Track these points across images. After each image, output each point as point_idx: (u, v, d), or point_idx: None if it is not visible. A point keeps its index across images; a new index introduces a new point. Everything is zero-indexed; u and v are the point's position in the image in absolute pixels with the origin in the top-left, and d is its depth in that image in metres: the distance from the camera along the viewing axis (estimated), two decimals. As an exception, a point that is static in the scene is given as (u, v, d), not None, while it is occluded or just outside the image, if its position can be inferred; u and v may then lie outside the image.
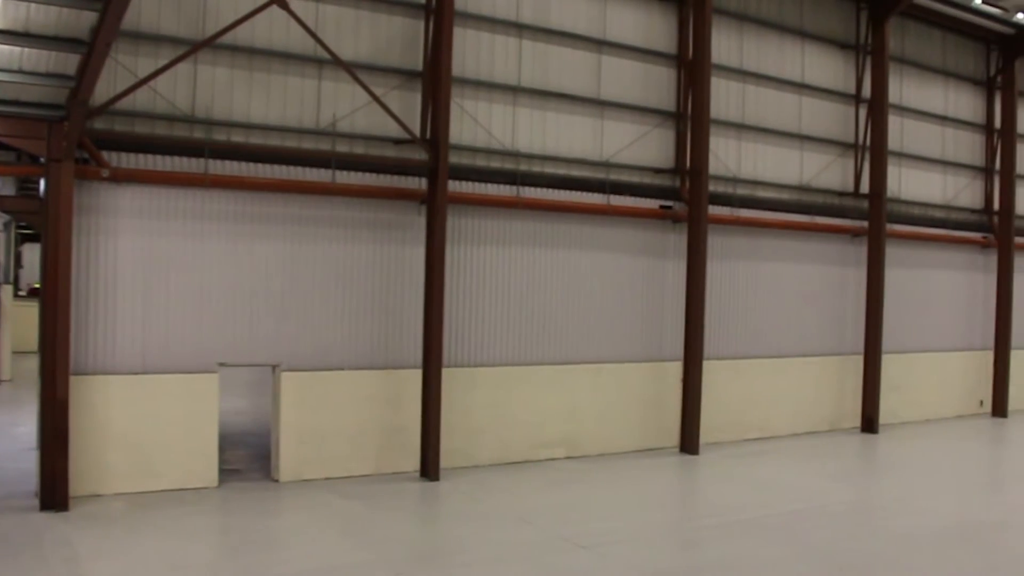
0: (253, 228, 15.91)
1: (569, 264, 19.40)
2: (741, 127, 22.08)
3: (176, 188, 15.28)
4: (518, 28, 18.71)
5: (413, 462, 17.23)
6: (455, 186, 17.62)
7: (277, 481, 16.25)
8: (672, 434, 20.69)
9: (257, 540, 13.16)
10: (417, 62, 17.40)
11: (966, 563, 13.12)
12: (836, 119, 24.15)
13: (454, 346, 17.80)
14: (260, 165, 15.96)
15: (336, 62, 16.02)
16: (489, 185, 18.37)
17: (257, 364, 16.34)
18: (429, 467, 16.88)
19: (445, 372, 17.12)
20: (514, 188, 18.58)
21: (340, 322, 16.72)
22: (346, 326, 16.78)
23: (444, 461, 17.10)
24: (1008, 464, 22.43)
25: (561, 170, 19.33)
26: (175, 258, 15.31)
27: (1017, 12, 26.30)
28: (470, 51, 18.10)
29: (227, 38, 15.26)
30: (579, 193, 19.49)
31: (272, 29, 15.98)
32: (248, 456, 18.18)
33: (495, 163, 18.51)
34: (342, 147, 16.68)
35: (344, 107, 16.69)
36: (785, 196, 23.00)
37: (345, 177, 16.67)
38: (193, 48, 14.89)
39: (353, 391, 16.79)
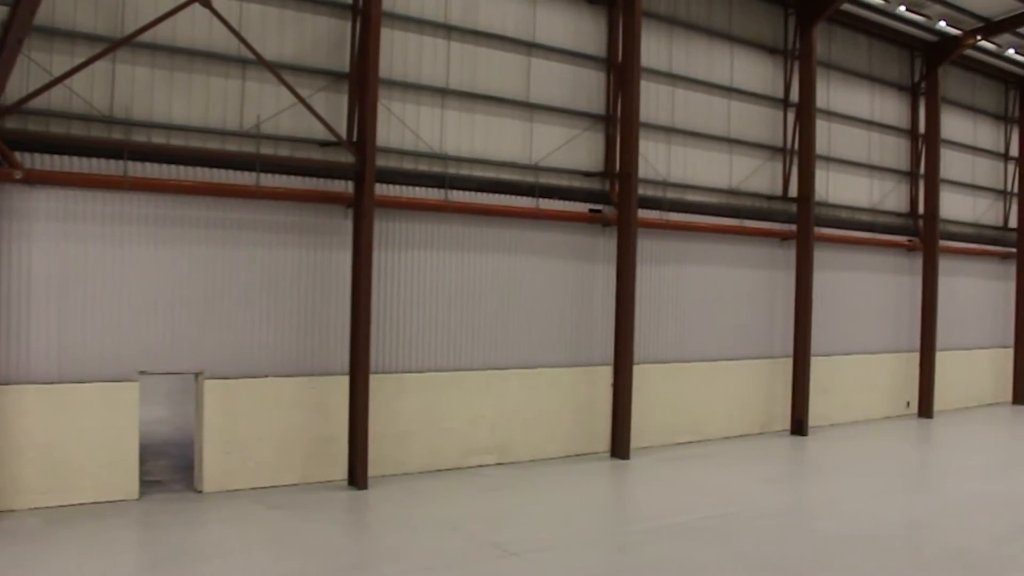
0: (175, 232, 15.83)
1: (499, 268, 19.63)
2: (671, 131, 22.58)
3: (94, 191, 15.15)
4: (446, 29, 18.89)
5: (341, 470, 17.28)
6: (382, 189, 17.75)
7: (200, 492, 16.19)
8: (603, 439, 21.03)
9: (179, 553, 13.12)
10: (344, 63, 17.48)
11: (895, 563, 13.68)
12: (765, 123, 24.80)
13: (382, 352, 17.91)
14: (182, 167, 15.89)
15: (260, 62, 16.05)
16: (417, 188, 18.54)
17: (179, 372, 16.28)
18: (357, 475, 16.95)
19: (373, 378, 17.23)
20: (442, 191, 18.76)
21: (265, 328, 16.72)
22: (271, 332, 16.78)
23: (373, 469, 17.19)
24: (934, 464, 23.27)
25: (490, 173, 19.56)
26: (93, 263, 15.17)
27: (940, 20, 27.35)
28: (398, 52, 18.23)
29: (147, 36, 15.20)
30: (508, 197, 19.78)
31: (194, 28, 15.95)
32: (170, 467, 18.05)
33: (423, 166, 18.67)
34: (267, 149, 16.69)
35: (269, 108, 16.70)
36: (714, 200, 23.55)
37: (270, 180, 16.68)
38: (111, 46, 14.81)
39: (279, 398, 16.81)
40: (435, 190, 18.72)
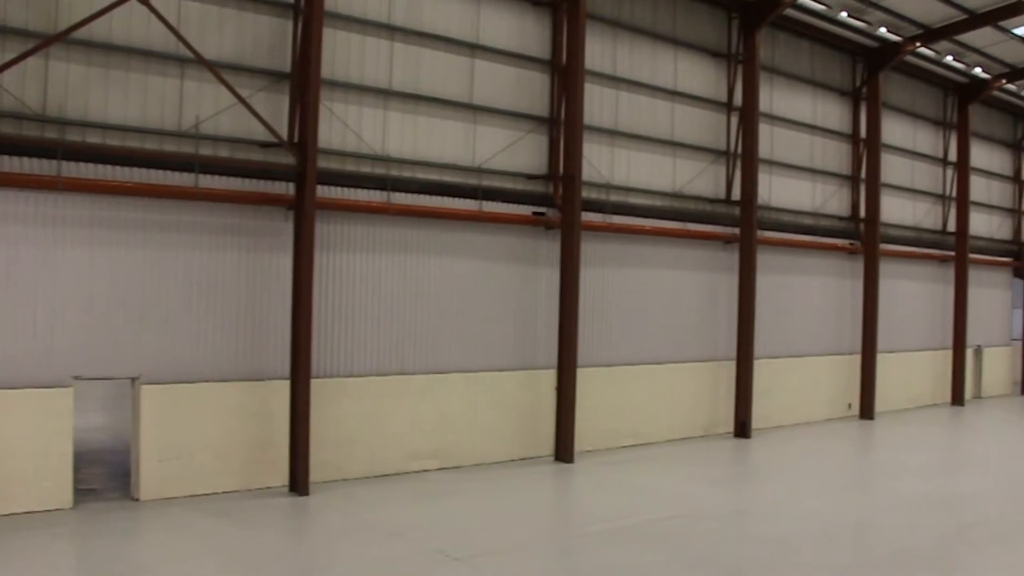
0: (110, 234, 15.71)
1: (442, 271, 19.73)
2: (614, 133, 22.86)
3: (26, 191, 14.99)
4: (390, 30, 18.95)
5: (282, 476, 17.27)
6: (324, 191, 17.78)
7: (137, 500, 16.08)
8: (547, 443, 21.22)
9: (116, 564, 13.05)
10: (285, 63, 17.48)
11: (839, 563, 14.09)
12: (708, 126, 25.20)
13: (323, 356, 17.92)
14: (118, 168, 15.77)
15: (199, 61, 15.98)
16: (359, 190, 18.59)
17: (115, 377, 16.14)
18: (298, 481, 16.95)
19: (314, 383, 17.24)
20: (385, 194, 18.82)
21: (204, 332, 16.64)
22: (211, 336, 16.71)
23: (314, 475, 17.20)
24: (875, 465, 23.84)
25: (433, 175, 19.65)
26: (25, 266, 15.01)
27: (881, 26, 28.03)
28: (340, 53, 18.26)
29: (82, 33, 15.08)
30: (451, 199, 19.92)
31: (131, 25, 15.84)
32: (106, 474, 17.88)
33: (365, 168, 18.70)
34: (206, 150, 16.60)
35: (208, 108, 16.63)
36: (658, 203, 23.88)
37: (209, 181, 16.60)
38: (44, 42, 14.66)
39: (218, 404, 16.75)
40: (377, 192, 18.77)
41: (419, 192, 19.39)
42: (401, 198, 19.09)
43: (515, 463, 20.65)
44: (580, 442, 21.40)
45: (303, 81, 17.06)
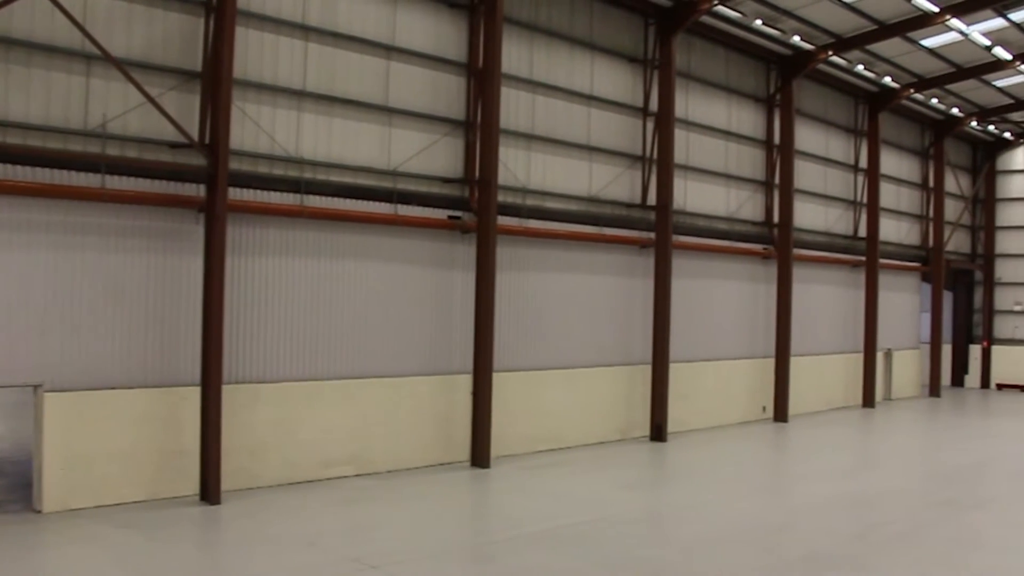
0: (11, 236, 15.46)
1: (356, 276, 19.79)
2: (531, 137, 23.17)
3: (-78, 192, 14.61)
4: (304, 30, 18.97)
5: (193, 485, 17.15)
6: (236, 194, 17.73)
7: (40, 512, 15.80)
8: (463, 448, 21.40)
9: (19, 576, 12.79)
10: (196, 62, 17.39)
11: (754, 565, 14.52)
12: (624, 131, 25.67)
13: (236, 362, 17.85)
14: (20, 168, 15.50)
15: (106, 58, 15.84)
16: (272, 193, 18.55)
17: (16, 385, 15.90)
18: (210, 490, 16.85)
19: (226, 389, 17.18)
20: (298, 196, 18.82)
21: (111, 338, 16.44)
22: (118, 342, 16.52)
23: (226, 483, 17.13)
24: (789, 467, 24.55)
25: (347, 178, 19.71)
26: (-79, 269, 14.62)
27: (794, 35, 28.88)
28: (253, 52, 18.23)
29: (-19, 29, 14.76)
30: (366, 202, 20.01)
31: (34, 19, 15.61)
32: (6, 486, 17.57)
33: (278, 170, 18.68)
34: (113, 150, 16.42)
35: (116, 107, 16.46)
36: (574, 207, 24.26)
37: (116, 182, 16.42)
38: (-58, 39, 14.33)
39: (126, 411, 16.58)
40: (291, 195, 18.76)
41: (334, 195, 19.44)
42: (315, 201, 19.11)
43: (432, 469, 20.78)
44: (497, 447, 21.62)
45: (215, 81, 16.99)
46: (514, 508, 18.02)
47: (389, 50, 20.44)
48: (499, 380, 21.71)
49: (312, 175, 19.14)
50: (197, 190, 17.23)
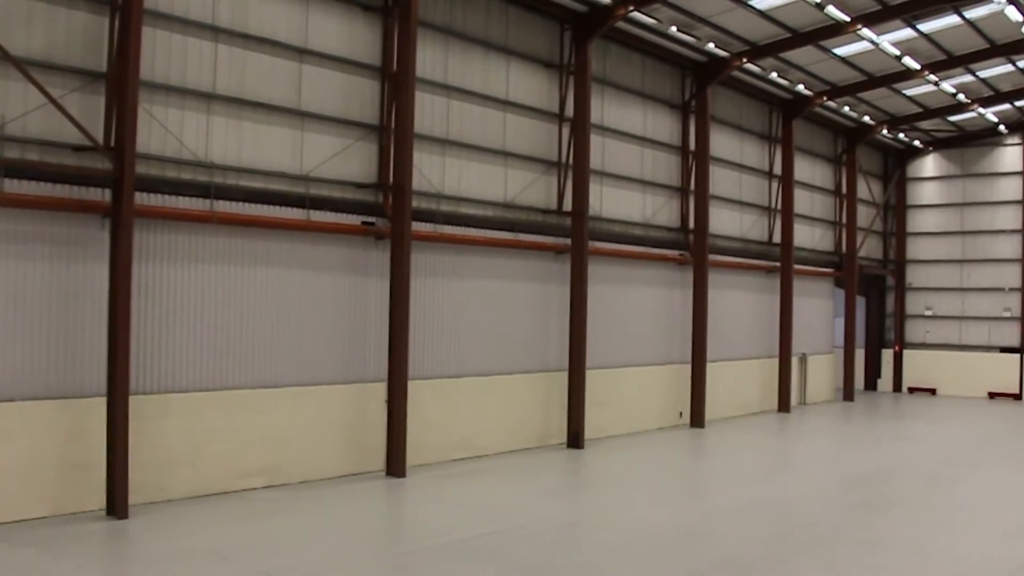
0: (-95, 243, 15.07)
1: (268, 283, 19.77)
2: (446, 142, 23.39)
3: None
4: (214, 31, 18.92)
5: (99, 500, 16.97)
6: (142, 199, 17.60)
7: (-66, 529, 15.42)
8: (378, 457, 21.48)
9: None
10: (101, 62, 17.25)
11: (671, 571, 14.95)
12: (540, 137, 26.04)
13: (143, 372, 17.71)
14: (-86, 172, 15.14)
15: (5, 57, 15.60)
16: (180, 198, 18.44)
17: (-91, 397, 15.48)
18: (117, 504, 16.68)
19: (133, 400, 17.04)
20: (208, 202, 18.73)
21: (11, 347, 16.20)
22: (18, 352, 16.27)
23: (134, 497, 16.98)
24: (706, 473, 25.12)
25: (259, 183, 19.67)
26: None
27: (709, 42, 29.61)
28: (160, 53, 18.12)
29: None
30: (278, 208, 19.99)
31: (-73, 18, 15.27)
32: None
33: (187, 175, 18.58)
34: (12, 153, 16.20)
35: (15, 108, 16.23)
36: (490, 213, 24.53)
37: (16, 186, 16.19)
38: None
39: (26, 424, 16.33)
40: (200, 200, 18.68)
41: (244, 200, 19.39)
42: (225, 206, 19.04)
43: (346, 479, 20.82)
44: (413, 456, 21.75)
45: (120, 82, 16.84)
46: (429, 518, 18.16)
47: (302, 52, 20.48)
48: (414, 388, 21.84)
49: (222, 180, 19.08)
50: (102, 195, 17.05)
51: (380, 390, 21.60)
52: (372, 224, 21.62)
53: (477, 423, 24.20)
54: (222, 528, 16.47)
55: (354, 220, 21.37)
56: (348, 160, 21.32)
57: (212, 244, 18.89)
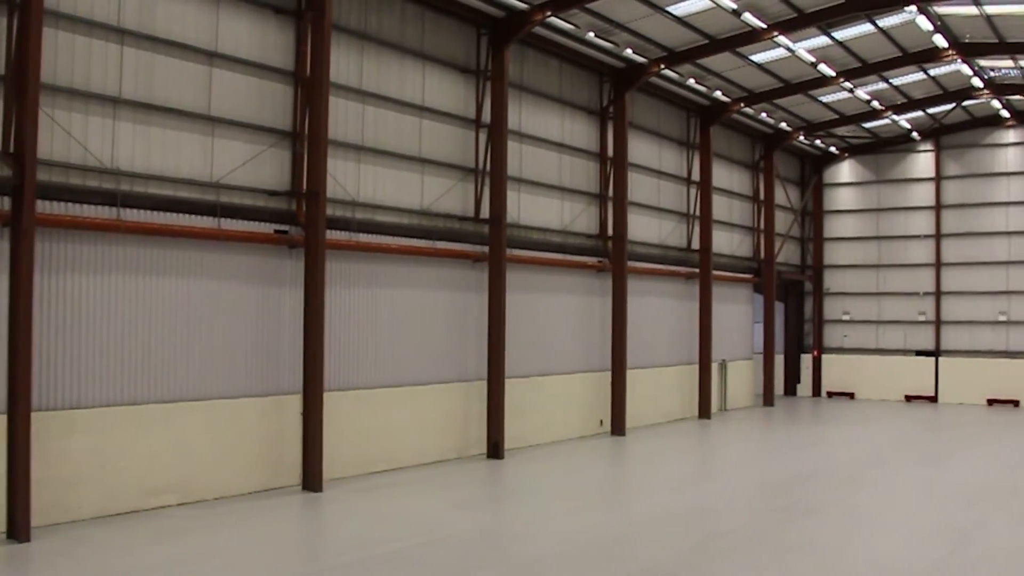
0: None
1: (178, 293, 19.56)
2: (361, 149, 23.42)
3: None
4: (120, 33, 18.70)
5: (-2, 521, 16.54)
6: (45, 207, 17.33)
7: None
8: (294, 472, 21.38)
9: None
10: (-1, 65, 16.86)
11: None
12: (457, 143, 26.19)
13: (46, 387, 17.42)
14: None
15: (-102, 63, 15.19)
16: (85, 206, 18.16)
17: None
18: (18, 526, 16.34)
19: (35, 416, 16.74)
20: (114, 210, 18.47)
21: (-96, 363, 15.73)
22: (-88, 368, 15.81)
23: (37, 518, 16.67)
24: (627, 481, 25.49)
25: (168, 191, 19.48)
26: None
27: (627, 48, 30.05)
28: (63, 55, 17.85)
29: None
30: (188, 216, 19.81)
31: None
32: None
33: (92, 182, 18.33)
34: (-95, 161, 15.76)
35: (-92, 115, 15.81)
36: (406, 220, 24.61)
37: (-90, 196, 15.76)
38: None
39: (-79, 443, 15.84)
40: (106, 208, 18.42)
41: (153, 208, 19.18)
42: (133, 215, 18.81)
43: (261, 494, 20.68)
44: (329, 469, 21.68)
45: (20, 85, 16.53)
46: (346, 532, 18.15)
47: (212, 56, 20.33)
48: (331, 400, 21.79)
49: (129, 187, 18.83)
50: (1, 203, 16.70)
51: (295, 402, 21.50)
52: (285, 232, 21.51)
53: (395, 435, 24.19)
54: (132, 549, 16.23)
55: (267, 228, 21.25)
56: (260, 167, 21.20)
57: (119, 254, 18.62)
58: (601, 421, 32.04)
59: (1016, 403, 43.71)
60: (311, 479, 21.25)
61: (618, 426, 32.01)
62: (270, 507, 19.80)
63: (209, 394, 20.11)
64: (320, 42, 21.33)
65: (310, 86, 21.50)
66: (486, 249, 26.59)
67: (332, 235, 22.07)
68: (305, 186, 21.46)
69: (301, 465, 21.45)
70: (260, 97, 21.28)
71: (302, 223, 21.48)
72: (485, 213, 26.68)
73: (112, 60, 18.64)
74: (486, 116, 26.80)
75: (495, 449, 26.47)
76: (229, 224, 20.46)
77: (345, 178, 23.01)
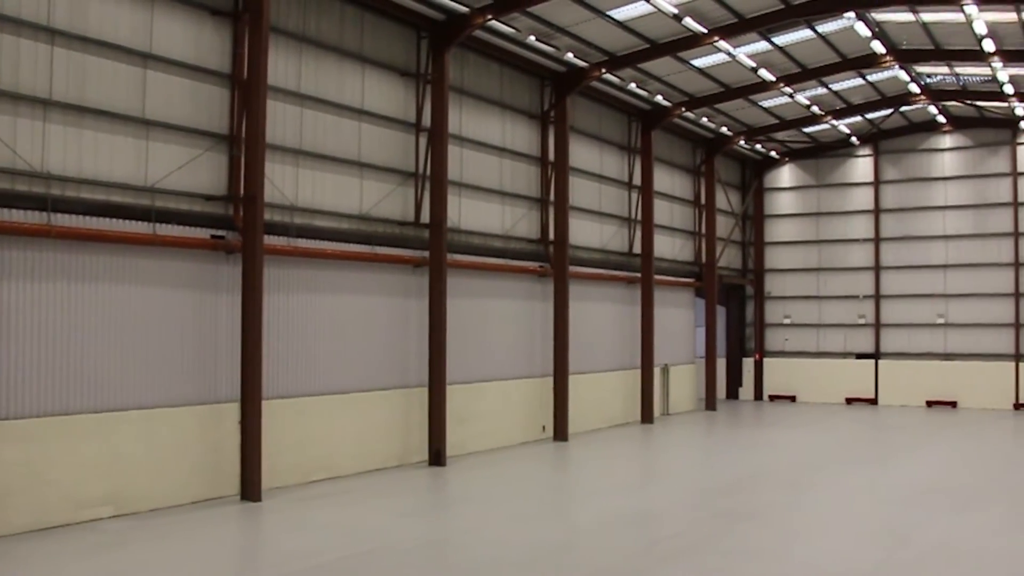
0: None
1: (112, 301, 19.37)
2: (299, 153, 23.36)
3: None
4: (49, 33, 18.46)
5: (-77, 536, 16.24)
6: (-28, 212, 16.95)
7: None
8: (233, 481, 21.24)
9: None
10: (-77, 67, 16.56)
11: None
12: (397, 147, 26.21)
13: (-27, 397, 17.04)
14: None
15: None
16: (15, 211, 17.91)
17: None
18: (-56, 539, 15.99)
19: (-37, 428, 16.36)
20: (45, 215, 18.20)
21: None
22: None
23: (-37, 532, 16.30)
24: (570, 486, 25.63)
25: (101, 195, 19.26)
26: None
27: (568, 52, 30.27)
28: (-10, 56, 17.53)
29: None
30: (122, 221, 19.58)
31: None
32: None
33: (21, 186, 18.08)
34: None
35: None
36: (345, 226, 24.54)
37: None
38: None
39: None
40: (36, 213, 18.18)
41: (85, 213, 18.94)
42: (65, 220, 18.57)
43: (199, 505, 20.51)
44: (269, 479, 21.56)
45: (-54, 88, 16.27)
46: (286, 543, 18.05)
47: (146, 58, 20.13)
48: (269, 408, 21.68)
49: (61, 192, 18.59)
50: (-74, 209, 16.45)
51: (233, 411, 21.35)
52: (222, 238, 21.37)
53: (335, 443, 24.12)
54: (64, 563, 16.03)
55: (203, 234, 21.10)
56: (197, 171, 21.04)
57: (50, 260, 18.37)
58: (544, 427, 32.18)
59: (954, 404, 44.68)
60: (250, 489, 21.10)
61: (561, 432, 32.17)
62: (208, 518, 19.63)
63: (144, 403, 19.89)
64: (257, 44, 21.22)
65: (247, 89, 21.38)
66: (426, 254, 26.61)
67: (270, 240, 21.96)
68: (242, 190, 21.33)
69: (239, 475, 21.29)
70: (196, 100, 21.12)
71: (239, 228, 21.34)
72: (425, 218, 26.71)
73: (42, 61, 18.38)
74: (426, 120, 26.84)
75: (437, 456, 26.48)
76: (164, 229, 20.28)
77: (283, 182, 22.90)
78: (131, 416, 19.61)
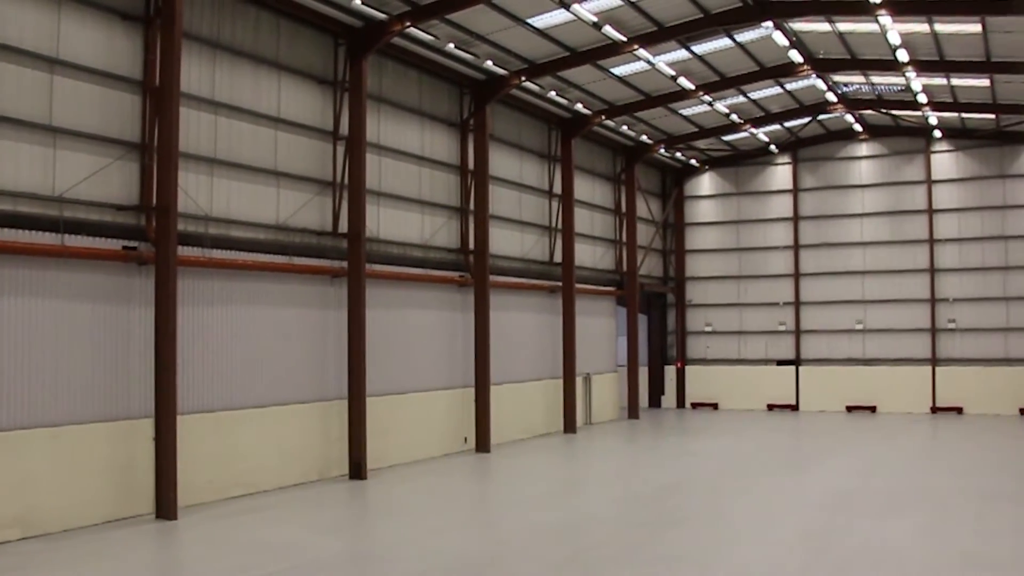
0: None
1: (18, 314, 19.03)
2: (213, 162, 23.21)
3: None
4: (-51, 38, 18.06)
5: None
6: None
7: None
8: (147, 499, 21.02)
9: None
10: None
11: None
12: (314, 156, 26.16)
13: None
14: None
15: None
16: (-85, 223, 17.43)
17: None
18: None
19: None
20: (-52, 226, 17.82)
21: None
22: None
23: None
24: (493, 498, 25.83)
25: (5, 206, 18.98)
26: None
27: (487, 59, 30.49)
28: None
29: None
30: (28, 232, 19.23)
31: None
32: None
33: (-77, 197, 17.63)
34: None
35: None
36: (261, 236, 24.47)
37: None
38: None
39: None
40: (-62, 225, 17.76)
41: (-10, 224, 18.58)
42: (-33, 232, 18.19)
43: (112, 524, 20.22)
44: (185, 496, 21.34)
45: None
46: (201, 562, 17.91)
47: (52, 63, 19.82)
48: (184, 423, 21.46)
49: (-37, 203, 18.24)
50: None
51: (147, 427, 21.09)
52: (134, 249, 21.10)
53: (253, 458, 23.94)
54: (-31, 585, 15.73)
55: (114, 245, 20.83)
56: (107, 180, 20.77)
57: (-48, 273, 18.02)
58: (466, 438, 32.27)
59: (873, 409, 45.84)
60: (165, 507, 20.85)
61: (483, 443, 32.30)
62: (122, 537, 19.36)
63: (54, 420, 19.53)
64: (170, 50, 21.03)
65: (159, 96, 21.17)
66: (345, 264, 26.57)
67: (184, 251, 21.74)
68: (155, 200, 21.09)
69: (154, 492, 21.03)
70: (106, 107, 20.85)
71: (152, 239, 21.10)
72: (344, 228, 26.67)
73: (-57, 67, 18.07)
74: (344, 128, 26.82)
75: (357, 469, 26.42)
76: (73, 240, 19.98)
77: (197, 192, 22.71)
78: (39, 434, 19.24)
